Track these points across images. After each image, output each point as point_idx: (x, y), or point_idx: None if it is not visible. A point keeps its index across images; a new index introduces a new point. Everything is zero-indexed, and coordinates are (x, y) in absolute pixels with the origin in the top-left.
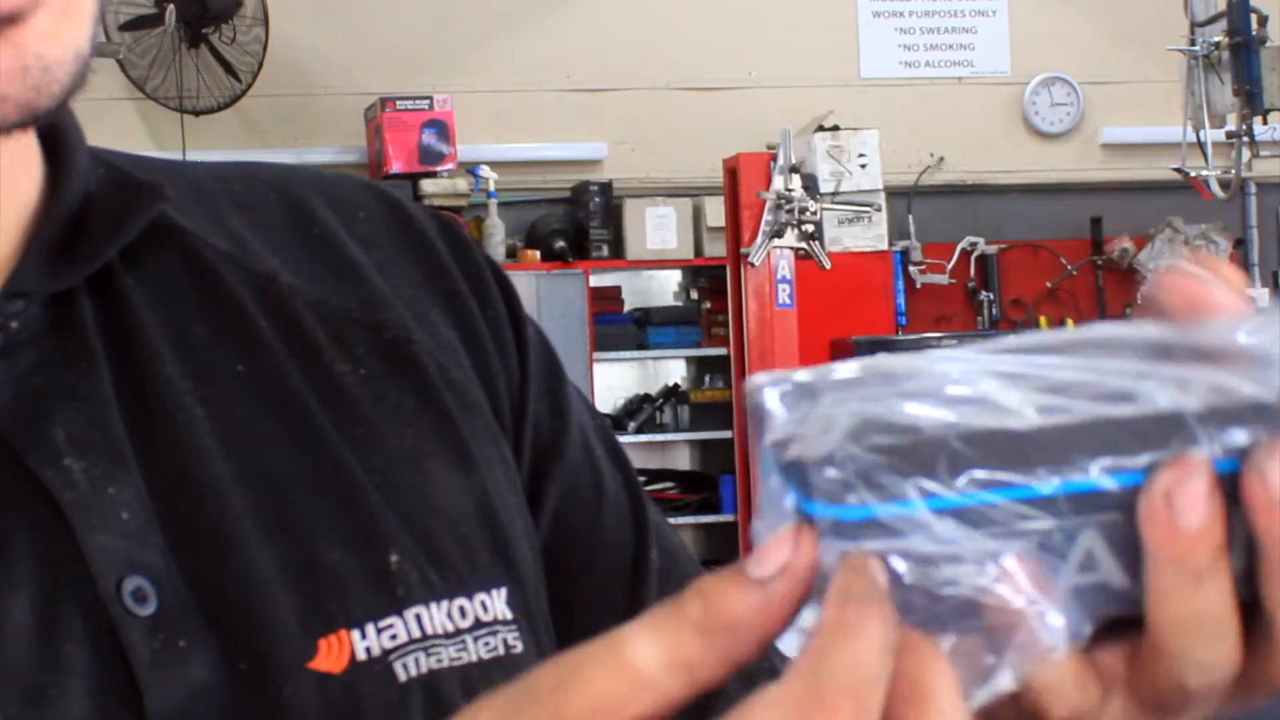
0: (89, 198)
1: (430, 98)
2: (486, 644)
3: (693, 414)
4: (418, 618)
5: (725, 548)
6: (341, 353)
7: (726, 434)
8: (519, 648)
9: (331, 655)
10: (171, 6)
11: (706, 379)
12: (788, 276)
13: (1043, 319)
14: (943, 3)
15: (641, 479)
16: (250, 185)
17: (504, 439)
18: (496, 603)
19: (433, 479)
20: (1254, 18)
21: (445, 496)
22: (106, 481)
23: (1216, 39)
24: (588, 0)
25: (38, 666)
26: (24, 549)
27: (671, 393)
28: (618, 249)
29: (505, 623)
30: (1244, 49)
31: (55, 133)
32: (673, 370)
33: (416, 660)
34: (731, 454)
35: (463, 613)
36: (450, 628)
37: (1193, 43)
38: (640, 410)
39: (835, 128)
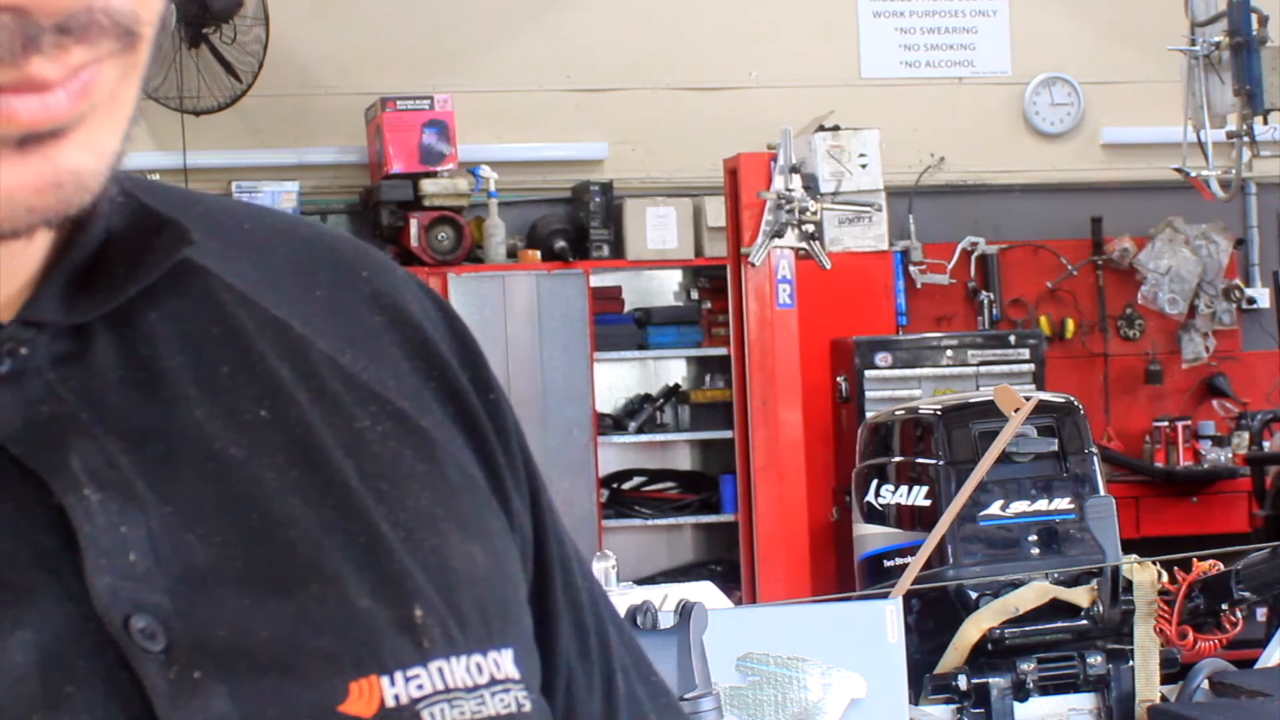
0: (110, 231)
1: (430, 98)
2: (502, 700)
3: (693, 414)
4: (440, 670)
5: (725, 548)
6: (358, 409)
7: (727, 434)
8: (528, 707)
9: (362, 699)
10: (172, 6)
11: (707, 379)
12: (788, 276)
13: (1043, 319)
14: (943, 3)
15: (642, 479)
16: (258, 228)
17: (503, 515)
18: (506, 662)
19: (447, 541)
20: (1254, 18)
21: (458, 559)
22: (120, 520)
23: (1217, 39)
24: (588, 0)
25: (35, 708)
26: (32, 584)
27: (672, 393)
28: (618, 249)
29: (515, 681)
30: (1244, 49)
31: None
32: (673, 370)
33: (442, 711)
34: (732, 454)
35: (479, 669)
36: (470, 682)
37: (1193, 43)
38: (641, 410)
39: (835, 128)
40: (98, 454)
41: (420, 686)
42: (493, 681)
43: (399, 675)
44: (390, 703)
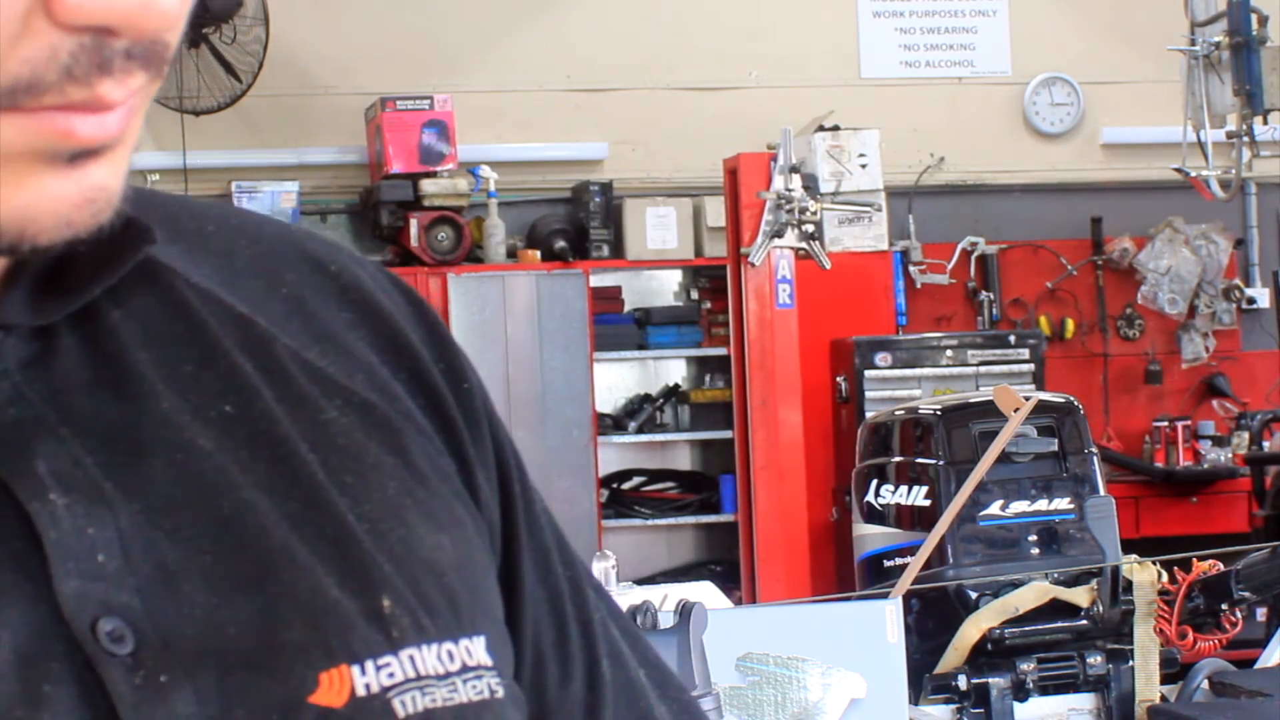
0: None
1: (430, 98)
2: (474, 687)
3: (693, 414)
4: (411, 658)
5: (725, 548)
6: (324, 402)
7: (727, 434)
8: (501, 693)
9: (333, 689)
10: None
11: (707, 379)
12: (788, 276)
13: (1043, 319)
14: (943, 3)
15: (642, 479)
16: (222, 229)
17: (473, 506)
18: (478, 649)
19: (413, 531)
20: (1254, 18)
21: (425, 549)
22: (87, 521)
23: (1217, 39)
24: (588, 0)
25: (16, 705)
26: (6, 585)
27: (672, 393)
28: (618, 249)
29: (487, 668)
30: (1244, 49)
31: None
32: (673, 370)
33: (414, 698)
34: (732, 454)
35: (450, 656)
36: (441, 669)
37: (1193, 43)
38: (640, 410)
39: (835, 128)
40: (65, 456)
41: (391, 675)
42: (465, 669)
43: (370, 664)
44: (361, 692)
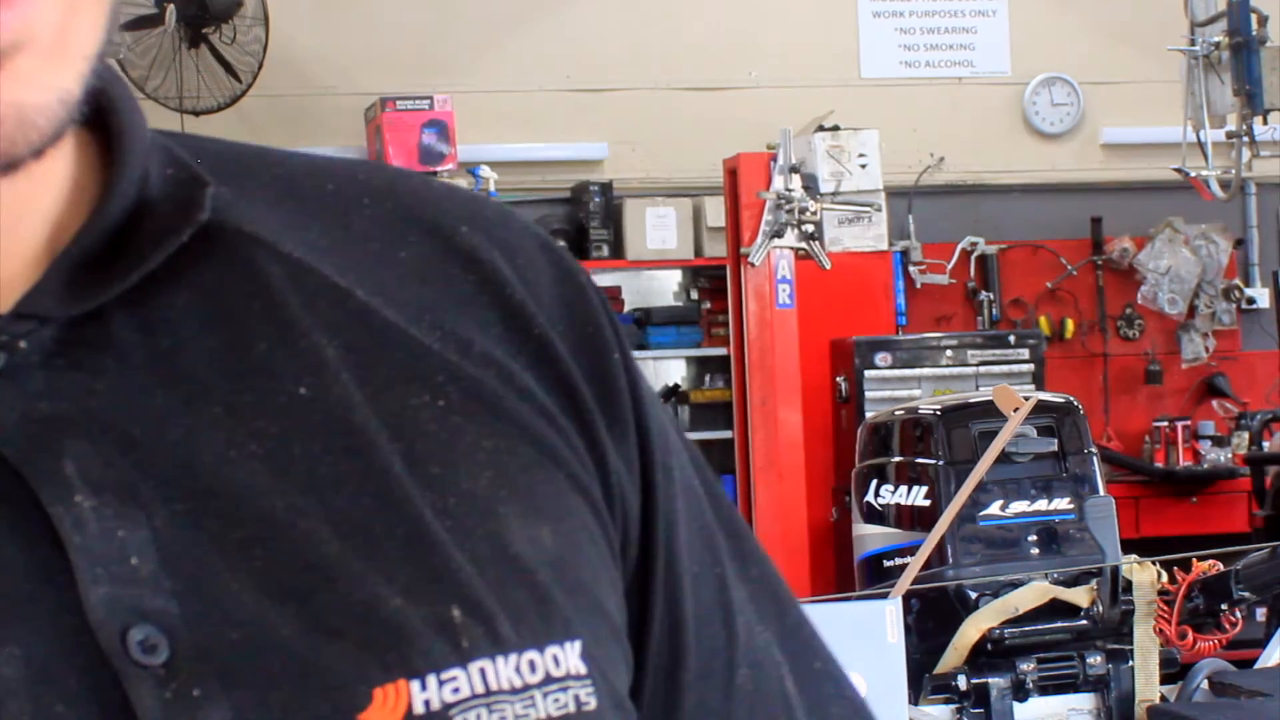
0: (141, 207)
1: (430, 98)
2: (556, 700)
3: (693, 414)
4: (482, 671)
5: None
6: (419, 383)
7: (727, 434)
8: (592, 704)
9: (387, 706)
10: (171, 6)
11: (707, 379)
12: (788, 276)
13: (1043, 319)
14: (943, 3)
15: None
16: (345, 187)
17: (597, 492)
18: (570, 656)
19: (506, 525)
20: (1254, 18)
21: (519, 544)
22: (117, 524)
23: (1216, 39)
24: (588, 0)
25: None
26: (22, 595)
27: (672, 393)
28: (618, 249)
29: (578, 677)
30: (1244, 49)
31: (111, 134)
32: (673, 370)
33: (478, 716)
34: (731, 454)
35: (532, 667)
36: (518, 683)
37: (1193, 43)
38: None
39: (835, 128)
40: (95, 454)
41: (456, 690)
42: (548, 679)
43: (431, 679)
44: (419, 709)
